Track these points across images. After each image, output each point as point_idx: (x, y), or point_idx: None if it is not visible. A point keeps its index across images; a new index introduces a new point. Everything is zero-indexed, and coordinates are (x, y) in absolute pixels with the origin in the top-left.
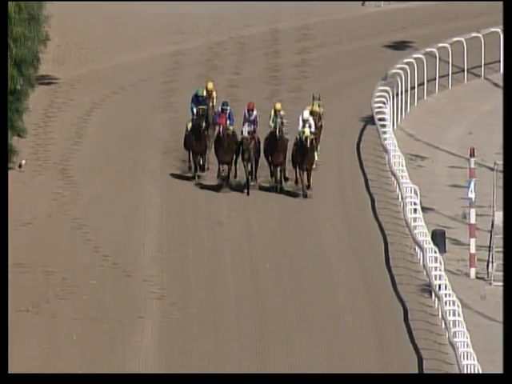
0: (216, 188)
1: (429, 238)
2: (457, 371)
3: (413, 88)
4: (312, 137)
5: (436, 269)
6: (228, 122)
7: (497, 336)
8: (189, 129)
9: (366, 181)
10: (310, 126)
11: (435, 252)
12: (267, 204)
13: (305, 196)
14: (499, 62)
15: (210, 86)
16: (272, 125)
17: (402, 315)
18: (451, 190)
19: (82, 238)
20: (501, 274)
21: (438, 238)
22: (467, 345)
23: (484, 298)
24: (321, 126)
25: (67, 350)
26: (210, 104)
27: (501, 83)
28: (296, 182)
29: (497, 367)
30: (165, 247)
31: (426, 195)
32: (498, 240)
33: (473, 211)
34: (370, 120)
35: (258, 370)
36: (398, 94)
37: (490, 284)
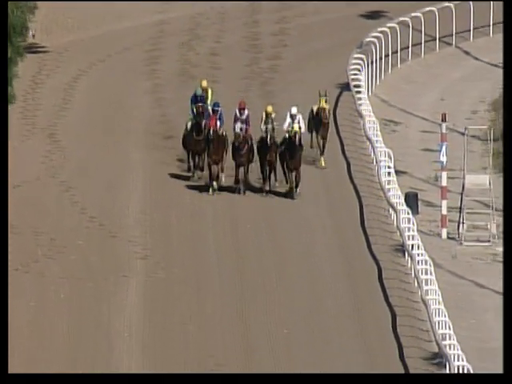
0: (205, 188)
1: (402, 200)
2: (429, 328)
3: (387, 56)
4: (301, 133)
5: (409, 229)
6: (218, 122)
7: (467, 294)
8: (188, 128)
9: (342, 145)
10: (299, 123)
11: (408, 213)
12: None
13: (291, 197)
14: (470, 30)
15: (205, 83)
16: (263, 128)
17: (376, 274)
18: (424, 153)
19: (70, 201)
20: (471, 234)
21: (411, 200)
22: (439, 302)
23: (455, 257)
24: (328, 123)
25: (55, 308)
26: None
27: (471, 51)
28: (287, 182)
29: (467, 323)
30: (148, 209)
31: (399, 159)
32: (469, 202)
33: (444, 174)
34: (345, 87)
35: (237, 327)
36: (372, 62)
37: (461, 244)
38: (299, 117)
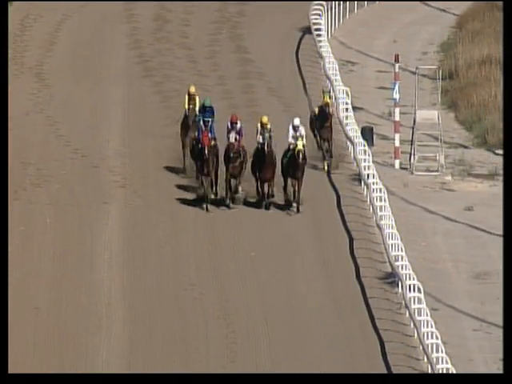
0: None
1: (359, 134)
2: (383, 250)
3: (345, 1)
4: (304, 150)
5: (365, 160)
6: (209, 135)
7: (417, 219)
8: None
9: (304, 84)
10: (301, 136)
11: (364, 146)
12: None
13: (297, 211)
14: None
15: (193, 89)
16: (260, 139)
17: (335, 201)
18: (378, 91)
19: (55, 134)
20: (421, 164)
21: (367, 133)
22: (392, 226)
23: (406, 185)
24: (331, 123)
25: (42, 232)
26: (191, 106)
27: None
28: (286, 193)
29: (417, 245)
30: (127, 141)
31: (356, 96)
32: (419, 135)
33: (397, 110)
34: (307, 30)
35: (210, 247)
36: (331, 8)
37: (412, 173)
38: (301, 128)
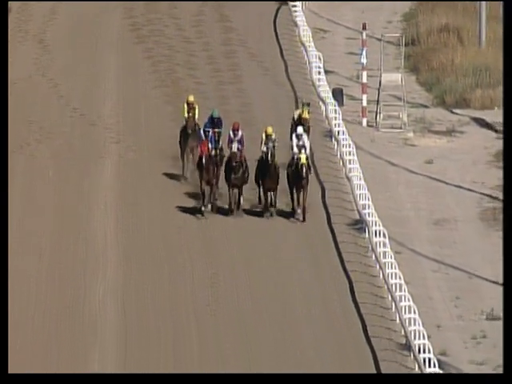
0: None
1: (330, 95)
2: (352, 199)
3: None
4: (307, 163)
5: (335, 119)
6: (210, 145)
7: (382, 171)
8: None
9: (281, 50)
10: (304, 147)
11: (335, 105)
12: None
13: (303, 220)
14: None
15: (191, 98)
16: (264, 149)
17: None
18: (347, 56)
19: (56, 95)
20: (386, 122)
21: (337, 94)
22: (360, 178)
23: (373, 141)
24: (308, 127)
25: (44, 183)
26: (191, 115)
27: None
28: (292, 200)
29: (383, 195)
30: (122, 102)
31: (327, 61)
32: (384, 96)
33: (364, 73)
34: (284, 3)
35: (197, 199)
36: None
37: (378, 130)
38: (305, 137)
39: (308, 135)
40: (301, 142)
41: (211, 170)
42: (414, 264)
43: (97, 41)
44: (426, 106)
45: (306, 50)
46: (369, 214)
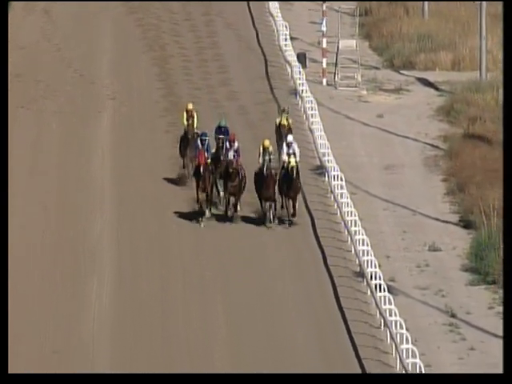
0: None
1: (295, 58)
2: (313, 148)
3: None
4: (296, 166)
5: (300, 79)
6: (206, 154)
7: (340, 123)
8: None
9: (253, 19)
10: (294, 154)
11: (299, 67)
12: None
13: (290, 223)
14: None
15: (190, 106)
16: (261, 161)
17: (276, 110)
18: (310, 25)
19: (60, 57)
20: (343, 82)
21: (301, 57)
22: (320, 130)
23: (332, 98)
24: (290, 128)
25: (48, 135)
26: (190, 121)
27: None
28: (282, 207)
29: (340, 144)
30: (116, 64)
31: (293, 29)
32: (342, 59)
33: (324, 40)
34: None
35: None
36: None
37: (336, 89)
38: (295, 145)
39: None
40: (291, 150)
41: (207, 179)
42: (367, 203)
43: (95, 12)
44: (377, 68)
45: (274, 20)
46: (328, 160)
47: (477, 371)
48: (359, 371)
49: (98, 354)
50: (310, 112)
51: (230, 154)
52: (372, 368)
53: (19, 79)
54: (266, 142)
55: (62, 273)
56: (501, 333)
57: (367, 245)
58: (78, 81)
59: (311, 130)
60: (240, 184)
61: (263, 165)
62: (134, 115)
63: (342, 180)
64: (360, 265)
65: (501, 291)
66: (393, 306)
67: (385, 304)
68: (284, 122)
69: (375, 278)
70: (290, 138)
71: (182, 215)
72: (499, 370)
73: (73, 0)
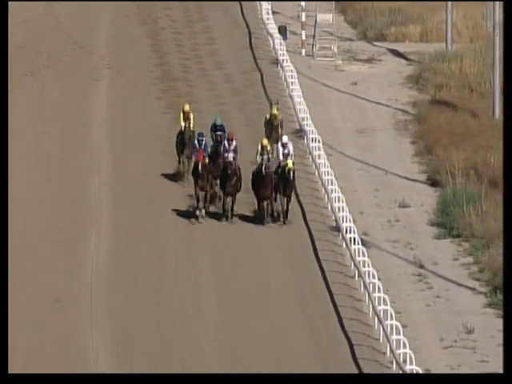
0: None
1: (276, 31)
2: (293, 113)
3: None
4: (294, 168)
5: (281, 50)
6: (204, 153)
7: (317, 90)
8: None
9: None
10: (289, 154)
11: (280, 39)
12: None
13: (283, 223)
14: None
15: (187, 107)
16: (259, 160)
17: (259, 78)
18: (292, 2)
19: (61, 30)
20: (321, 52)
21: (282, 30)
22: (300, 96)
23: (310, 67)
24: (278, 125)
25: (51, 100)
26: (187, 123)
27: None
28: (275, 201)
29: (318, 109)
30: (112, 36)
31: (274, 3)
32: (319, 32)
33: (303, 14)
34: None
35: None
36: None
37: (314, 59)
38: (290, 146)
39: (282, 128)
40: (286, 151)
41: (205, 177)
42: (342, 164)
43: None
44: (351, 40)
45: None
46: (307, 124)
47: (442, 317)
48: (334, 316)
49: (96, 303)
50: (290, 80)
51: (230, 156)
52: (347, 313)
53: (23, 50)
54: (265, 141)
55: (62, 229)
56: (465, 282)
57: (342, 202)
58: (78, 52)
59: (291, 97)
60: (237, 184)
61: (261, 164)
62: (129, 83)
63: (319, 142)
64: (336, 220)
65: (465, 244)
66: (366, 258)
67: (359, 256)
68: (275, 112)
69: (350, 232)
70: (285, 138)
71: (172, 178)
72: (462, 317)
73: None
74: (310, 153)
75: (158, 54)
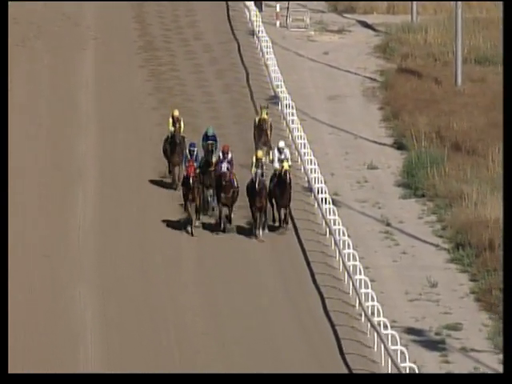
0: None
1: (252, 3)
2: (268, 81)
3: None
4: (290, 170)
5: (256, 21)
6: (195, 164)
7: (291, 59)
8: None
9: None
10: (286, 159)
11: (256, 11)
12: None
13: (282, 233)
14: None
15: (176, 113)
16: (254, 172)
17: (236, 48)
18: None
19: (51, 8)
20: (294, 24)
21: (258, 3)
22: (274, 65)
23: (284, 38)
24: (267, 130)
25: (41, 68)
26: (177, 126)
27: None
28: (273, 220)
29: (291, 78)
30: (98, 10)
31: None
32: (293, 4)
33: None
34: None
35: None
36: None
37: (288, 30)
38: (286, 151)
39: (271, 131)
40: (282, 156)
41: (196, 189)
42: (314, 128)
43: None
44: (323, 12)
45: None
46: (281, 91)
47: (408, 272)
48: (307, 271)
49: (83, 258)
50: (265, 50)
51: (224, 166)
52: (319, 269)
53: (15, 21)
54: (259, 153)
55: (51, 186)
56: (429, 239)
57: (315, 164)
58: (65, 23)
59: (266, 66)
60: (233, 195)
61: (255, 176)
62: (114, 52)
63: (293, 108)
64: (308, 181)
65: (429, 203)
66: (336, 217)
67: (330, 215)
68: (264, 116)
69: (321, 193)
70: (281, 143)
71: (157, 142)
72: (426, 271)
73: None
74: (284, 118)
75: (141, 26)
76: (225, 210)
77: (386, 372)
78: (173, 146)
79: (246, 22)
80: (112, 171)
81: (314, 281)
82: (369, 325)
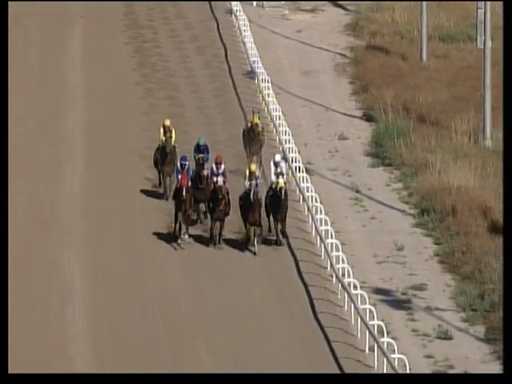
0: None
1: None
2: (245, 56)
3: None
4: (285, 187)
5: (236, 5)
6: (187, 176)
7: (267, 37)
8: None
9: None
10: (282, 174)
11: None
12: None
13: (279, 243)
14: None
15: (167, 122)
16: (247, 185)
17: (215, 27)
18: None
19: None
20: (270, 3)
21: None
22: (251, 42)
23: (260, 16)
24: (259, 136)
25: (33, 45)
26: (168, 135)
27: None
28: (269, 230)
29: (267, 54)
30: None
31: None
32: None
33: None
34: None
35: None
36: None
37: (264, 9)
38: (283, 164)
39: (259, 145)
40: (279, 170)
41: (188, 201)
42: (288, 101)
43: None
44: None
45: None
46: (257, 67)
47: (376, 236)
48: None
49: (70, 227)
50: (242, 28)
51: (220, 180)
52: (293, 233)
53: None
54: (253, 167)
55: (40, 156)
56: (396, 205)
57: (289, 135)
58: (55, 4)
59: (243, 43)
60: (225, 209)
61: (249, 189)
62: (100, 30)
63: (268, 83)
64: (283, 151)
65: (396, 172)
66: (309, 184)
67: (303, 182)
68: (256, 120)
69: (295, 162)
70: (277, 157)
71: (146, 127)
72: (393, 236)
73: None
74: (260, 92)
75: (126, 5)
76: (217, 225)
77: (355, 330)
78: (164, 156)
79: (224, 1)
80: (98, 143)
81: (289, 245)
82: (340, 285)
